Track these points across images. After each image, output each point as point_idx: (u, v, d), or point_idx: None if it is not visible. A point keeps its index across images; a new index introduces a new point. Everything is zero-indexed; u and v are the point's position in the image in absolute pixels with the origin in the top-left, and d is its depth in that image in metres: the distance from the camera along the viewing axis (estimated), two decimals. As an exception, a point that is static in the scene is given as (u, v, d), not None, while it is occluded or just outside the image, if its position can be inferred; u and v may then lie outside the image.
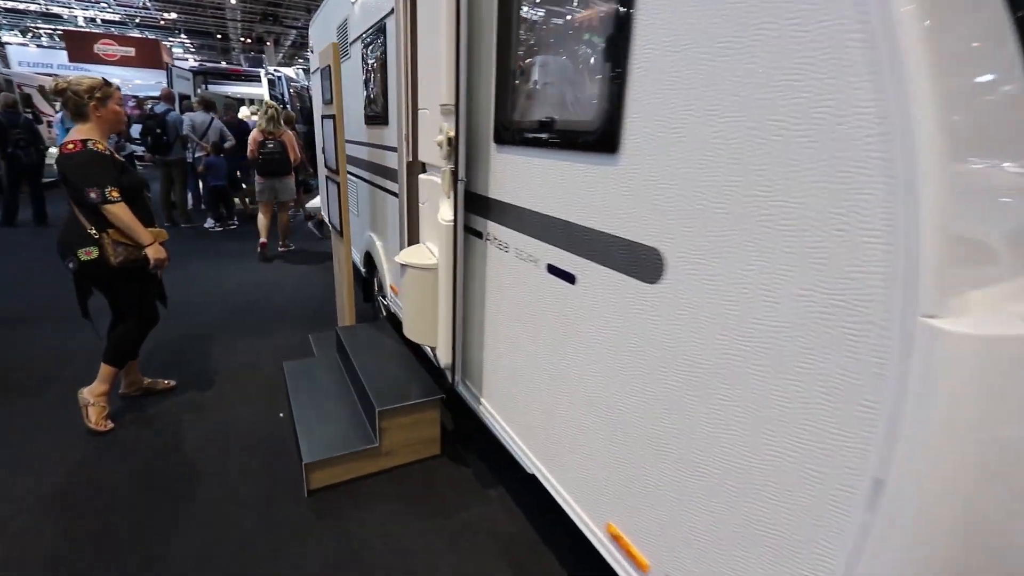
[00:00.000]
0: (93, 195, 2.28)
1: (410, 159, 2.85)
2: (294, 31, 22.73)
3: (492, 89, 1.72)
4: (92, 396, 2.60)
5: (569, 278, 1.44)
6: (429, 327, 2.11)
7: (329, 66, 2.97)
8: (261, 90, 9.56)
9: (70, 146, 2.32)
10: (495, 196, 1.80)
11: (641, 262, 1.17)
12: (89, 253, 2.35)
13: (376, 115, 3.23)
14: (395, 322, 3.33)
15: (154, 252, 2.46)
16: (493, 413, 2.03)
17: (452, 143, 1.77)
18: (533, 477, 1.79)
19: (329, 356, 3.25)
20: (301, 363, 3.07)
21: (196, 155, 6.85)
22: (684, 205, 1.05)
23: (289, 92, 9.46)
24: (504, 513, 2.19)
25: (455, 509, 2.20)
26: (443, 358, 2.07)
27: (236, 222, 7.54)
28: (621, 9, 1.14)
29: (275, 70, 9.44)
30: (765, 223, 0.90)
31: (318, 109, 5.76)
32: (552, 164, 1.46)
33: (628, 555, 1.34)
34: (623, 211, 1.21)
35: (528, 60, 1.54)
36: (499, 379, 1.95)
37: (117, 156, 2.50)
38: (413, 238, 3.04)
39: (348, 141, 4.06)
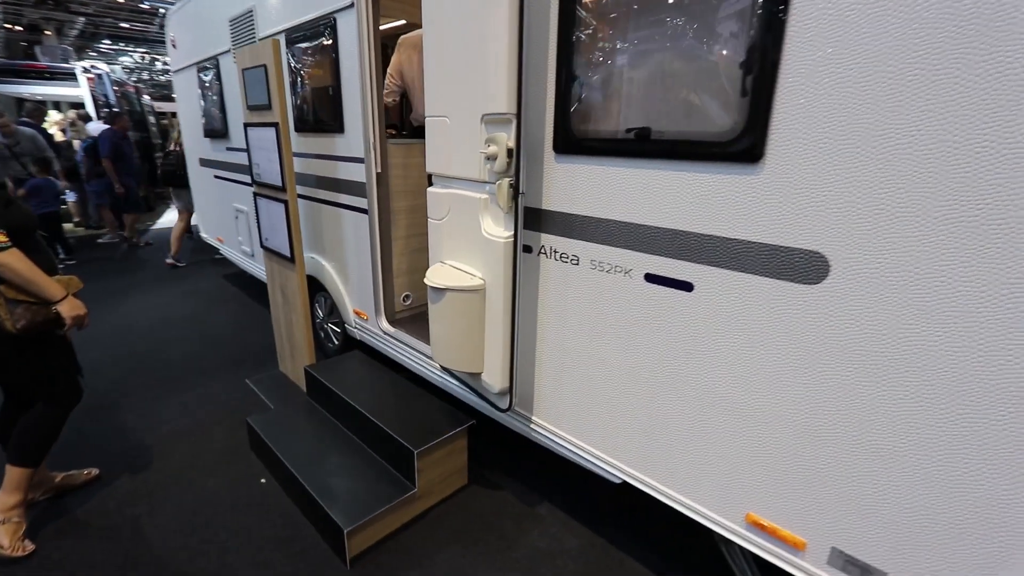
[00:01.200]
0: None
1: (378, 170, 2.60)
2: (82, 18, 18.76)
3: (548, 95, 1.64)
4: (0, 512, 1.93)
5: (683, 286, 1.46)
6: (473, 352, 1.95)
7: (263, 66, 2.54)
8: (78, 91, 7.72)
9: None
10: (556, 208, 1.72)
11: (797, 265, 1.23)
12: None
13: (320, 123, 2.86)
14: (366, 351, 3.01)
15: (70, 308, 1.89)
16: (556, 431, 1.97)
17: (512, 154, 1.65)
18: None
19: (295, 402, 2.82)
20: (266, 416, 2.62)
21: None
22: (849, 207, 1.13)
23: (115, 93, 7.81)
24: (564, 529, 2.14)
25: (515, 537, 2.09)
26: (495, 383, 1.94)
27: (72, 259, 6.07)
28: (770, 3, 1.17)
29: (92, 66, 7.70)
30: (947, 219, 1.01)
31: (188, 115, 4.89)
32: (654, 174, 1.45)
33: (777, 538, 1.41)
34: (767, 217, 1.26)
35: (607, 62, 1.50)
36: (565, 396, 1.89)
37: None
38: (386, 256, 2.78)
39: None
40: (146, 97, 10.01)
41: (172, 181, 5.66)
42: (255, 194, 3.02)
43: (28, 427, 1.98)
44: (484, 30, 1.62)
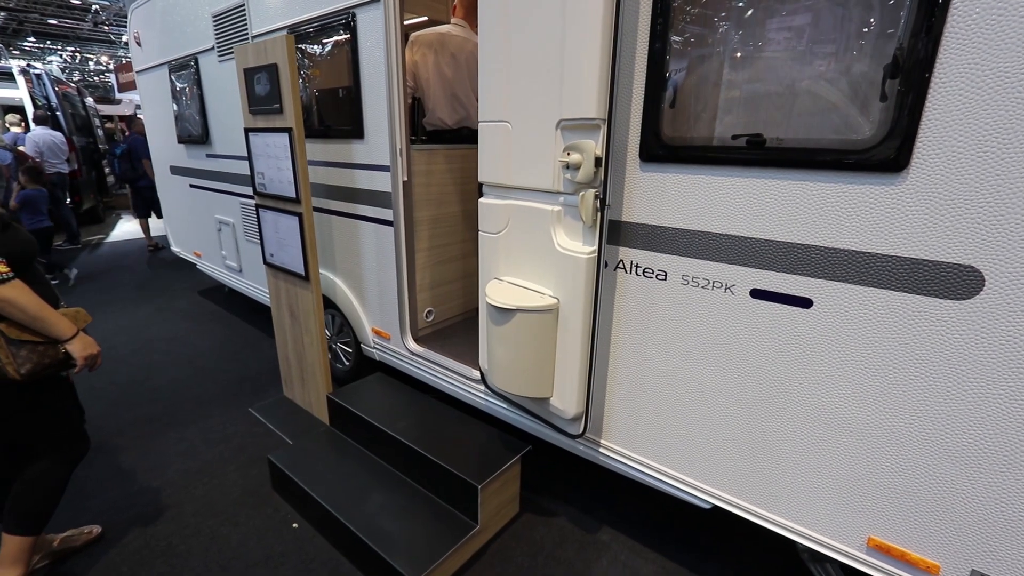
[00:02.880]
0: None
1: (405, 178, 2.42)
2: (3, 13, 17.18)
3: (635, 97, 1.52)
4: (-2, 594, 1.64)
5: (799, 302, 1.37)
6: (541, 376, 1.81)
7: (274, 65, 2.30)
8: (15, 92, 6.96)
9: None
10: (640, 220, 1.61)
11: (945, 280, 1.16)
12: None
13: (332, 128, 2.63)
14: (390, 372, 2.80)
15: (82, 347, 1.64)
16: (632, 455, 1.85)
17: (600, 164, 1.52)
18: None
19: (316, 433, 2.59)
20: (288, 451, 2.38)
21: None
22: (1010, 217, 1.07)
23: (56, 94, 7.11)
24: (634, 555, 2.03)
25: (583, 569, 1.96)
26: (568, 408, 1.80)
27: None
28: None
29: (29, 65, 6.98)
30: None
31: (155, 119, 4.48)
32: (767, 184, 1.35)
33: (907, 562, 1.35)
34: (910, 229, 1.18)
35: (709, 58, 1.39)
36: (643, 418, 1.78)
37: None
38: (411, 271, 2.60)
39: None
40: (90, 99, 9.22)
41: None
42: (258, 206, 2.75)
43: (28, 488, 1.69)
44: (567, 24, 1.48)
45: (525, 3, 1.59)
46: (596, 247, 1.60)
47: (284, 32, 2.72)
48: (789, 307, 1.39)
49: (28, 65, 6.98)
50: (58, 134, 6.47)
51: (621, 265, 1.69)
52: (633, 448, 1.85)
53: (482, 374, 2.17)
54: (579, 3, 1.44)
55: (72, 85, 8.66)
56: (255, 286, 3.81)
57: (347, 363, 3.17)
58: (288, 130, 2.36)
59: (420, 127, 3.02)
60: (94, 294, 5.14)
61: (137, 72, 4.53)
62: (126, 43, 21.54)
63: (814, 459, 1.45)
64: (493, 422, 2.32)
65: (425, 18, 2.74)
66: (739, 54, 1.34)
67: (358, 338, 2.94)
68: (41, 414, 1.67)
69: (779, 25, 1.27)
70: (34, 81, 6.92)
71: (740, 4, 1.32)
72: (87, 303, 4.85)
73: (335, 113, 2.62)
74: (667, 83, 1.46)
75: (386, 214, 2.49)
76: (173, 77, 3.94)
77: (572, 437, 1.91)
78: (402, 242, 2.49)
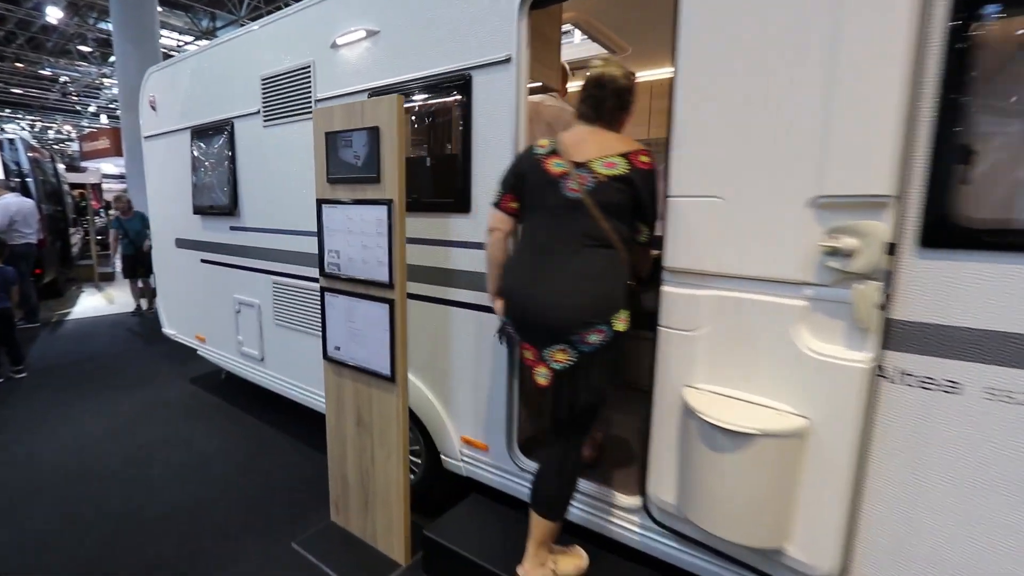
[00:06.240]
0: None
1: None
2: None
3: (915, 167, 1.23)
4: None
5: None
6: (779, 518, 1.38)
7: (374, 129, 1.95)
8: (-15, 158, 6.32)
9: None
10: (920, 319, 1.27)
11: None
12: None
13: (427, 200, 2.27)
14: (483, 490, 2.26)
15: None
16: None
17: (890, 251, 1.20)
18: None
19: (404, 580, 2.00)
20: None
21: None
22: None
23: (29, 160, 6.50)
24: None
25: None
26: (820, 562, 1.35)
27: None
28: None
29: (1, 130, 6.41)
30: None
31: (163, 188, 3.98)
32: None
33: None
34: None
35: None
36: (915, 573, 1.36)
37: None
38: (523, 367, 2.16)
39: (293, 232, 2.88)
40: (61, 166, 8.60)
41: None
42: (324, 289, 2.29)
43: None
44: (842, 72, 1.20)
45: (760, 40, 1.32)
46: (873, 353, 1.25)
47: (363, 96, 2.40)
48: None
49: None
50: (30, 201, 5.85)
51: (883, 373, 1.33)
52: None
53: (645, 503, 1.72)
54: (867, 42, 1.17)
55: (45, 151, 8.07)
56: (282, 379, 3.24)
57: (411, 476, 2.60)
58: (387, 203, 1.98)
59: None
60: (62, 385, 4.35)
61: (146, 137, 4.10)
62: (93, 113, 21.11)
63: None
64: (652, 563, 1.82)
65: (539, 83, 2.52)
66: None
67: (437, 448, 2.41)
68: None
69: None
70: (5, 146, 6.33)
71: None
72: (55, 397, 4.07)
73: (430, 183, 2.26)
74: (966, 148, 1.18)
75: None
76: (197, 142, 3.53)
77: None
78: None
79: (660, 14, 2.94)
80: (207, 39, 12.78)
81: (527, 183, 1.68)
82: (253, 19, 11.60)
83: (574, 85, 2.61)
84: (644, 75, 3.90)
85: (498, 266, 1.78)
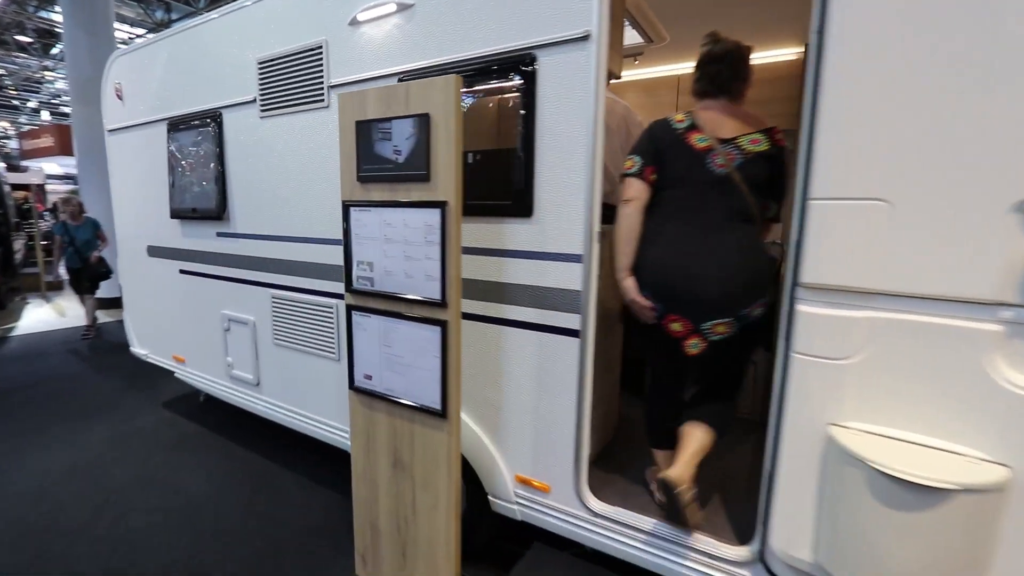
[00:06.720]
0: None
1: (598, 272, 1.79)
2: None
3: None
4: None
5: None
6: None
7: (424, 116, 1.63)
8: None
9: None
10: None
11: None
12: None
13: (476, 203, 1.95)
14: (548, 539, 1.96)
15: None
16: None
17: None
18: None
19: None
20: None
21: None
22: None
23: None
24: None
25: None
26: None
27: None
28: None
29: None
30: None
31: (130, 188, 3.47)
32: None
33: None
34: None
35: None
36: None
37: None
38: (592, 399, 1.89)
39: (299, 239, 2.52)
40: (2, 165, 7.75)
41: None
42: (351, 307, 1.95)
43: None
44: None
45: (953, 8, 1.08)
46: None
47: (393, 79, 2.07)
48: None
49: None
50: None
51: (1090, 411, 1.12)
52: None
53: (763, 554, 1.47)
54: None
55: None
56: (283, 407, 2.84)
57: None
58: (440, 205, 1.66)
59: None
60: (10, 414, 3.78)
61: (110, 131, 3.60)
62: (34, 109, 19.55)
63: None
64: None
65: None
66: None
67: (485, 489, 2.09)
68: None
69: None
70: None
71: None
72: (3, 429, 3.51)
73: (481, 183, 1.94)
74: None
75: (564, 319, 1.79)
76: (174, 136, 3.09)
77: None
78: (589, 357, 1.79)
79: (704, 4, 2.74)
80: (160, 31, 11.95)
81: (666, 157, 1.67)
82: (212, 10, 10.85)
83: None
84: (664, 70, 3.70)
85: (634, 240, 1.73)
